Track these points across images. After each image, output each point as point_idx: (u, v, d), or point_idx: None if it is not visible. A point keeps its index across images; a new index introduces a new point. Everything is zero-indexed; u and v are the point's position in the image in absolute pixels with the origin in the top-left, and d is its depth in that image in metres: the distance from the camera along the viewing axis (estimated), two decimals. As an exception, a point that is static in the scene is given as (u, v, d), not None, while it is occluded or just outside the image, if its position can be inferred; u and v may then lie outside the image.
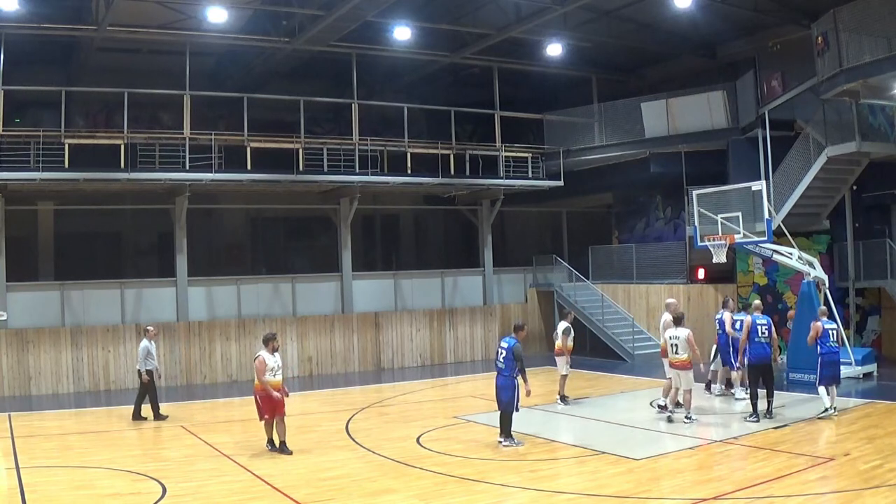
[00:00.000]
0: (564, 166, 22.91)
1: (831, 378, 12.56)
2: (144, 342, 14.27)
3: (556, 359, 14.82)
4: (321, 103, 22.26)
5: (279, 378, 11.33)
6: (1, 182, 17.08)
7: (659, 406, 13.23)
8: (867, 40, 14.40)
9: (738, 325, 13.81)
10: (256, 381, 11.29)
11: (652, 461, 10.06)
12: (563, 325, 14.92)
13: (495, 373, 11.51)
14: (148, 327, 14.75)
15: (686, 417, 12.34)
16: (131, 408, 14.24)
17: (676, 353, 12.42)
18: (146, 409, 14.17)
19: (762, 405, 12.44)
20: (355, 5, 16.53)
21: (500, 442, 11.29)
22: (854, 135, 17.12)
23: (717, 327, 14.85)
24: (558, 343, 14.79)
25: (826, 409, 12.33)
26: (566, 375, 14.64)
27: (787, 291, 19.16)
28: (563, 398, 14.64)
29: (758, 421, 12.18)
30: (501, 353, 11.40)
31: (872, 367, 16.59)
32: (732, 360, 14.26)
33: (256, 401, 11.32)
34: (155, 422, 13.89)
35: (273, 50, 19.91)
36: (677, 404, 12.64)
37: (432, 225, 28.00)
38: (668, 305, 14.50)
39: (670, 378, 12.74)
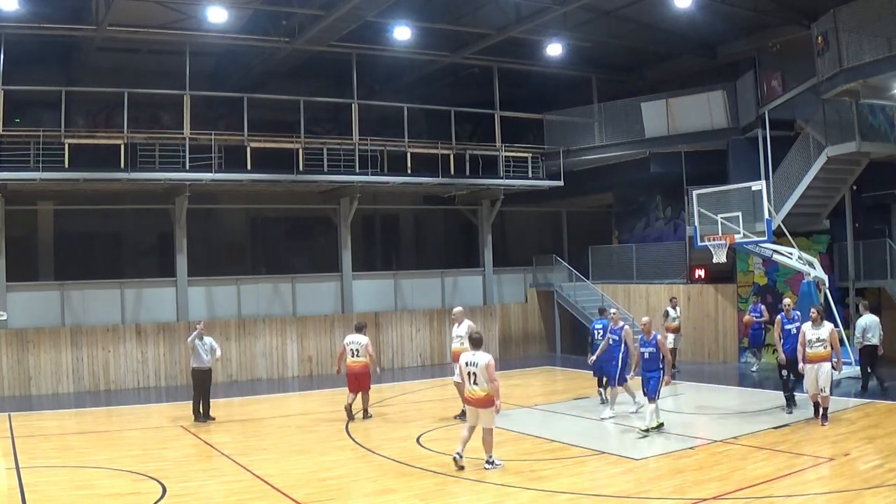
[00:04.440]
0: (564, 166, 22.91)
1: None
2: (198, 338, 13.72)
3: (673, 336, 17.86)
4: (321, 103, 22.26)
5: None
6: (1, 182, 17.08)
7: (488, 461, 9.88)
8: (867, 40, 14.39)
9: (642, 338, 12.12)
10: (367, 360, 13.54)
11: (652, 461, 10.06)
12: (678, 310, 18.40)
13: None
14: (198, 324, 14.10)
15: (487, 462, 9.78)
16: (130, 408, 14.20)
17: (475, 384, 9.68)
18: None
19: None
20: (355, 5, 16.53)
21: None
22: (854, 135, 17.11)
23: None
24: (675, 324, 18.14)
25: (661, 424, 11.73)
26: (677, 349, 17.85)
27: (787, 291, 19.15)
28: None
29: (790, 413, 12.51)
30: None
31: (872, 367, 16.56)
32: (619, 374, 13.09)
33: (360, 375, 13.53)
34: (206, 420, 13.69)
35: (273, 50, 19.91)
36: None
37: (432, 225, 27.99)
38: (456, 315, 13.40)
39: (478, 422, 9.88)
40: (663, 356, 11.64)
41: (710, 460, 10.01)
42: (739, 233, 16.83)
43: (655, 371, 11.61)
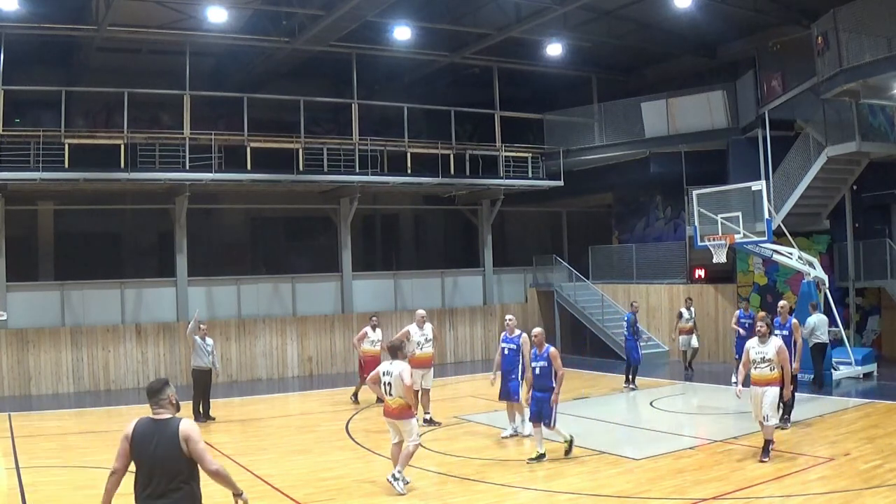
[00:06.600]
0: (564, 166, 22.91)
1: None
2: (200, 337, 13.67)
3: (686, 337, 18.33)
4: (321, 103, 22.26)
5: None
6: (1, 182, 17.07)
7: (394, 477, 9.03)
8: (867, 40, 14.40)
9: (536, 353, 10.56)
10: (379, 350, 14.74)
11: (652, 461, 10.06)
12: (692, 311, 18.60)
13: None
14: (201, 325, 13.93)
15: (394, 476, 8.99)
16: (131, 408, 14.16)
17: (390, 394, 9.10)
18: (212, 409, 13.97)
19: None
20: (355, 5, 16.53)
21: (628, 387, 16.11)
22: (854, 135, 17.12)
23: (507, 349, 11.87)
24: (689, 325, 18.38)
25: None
26: (697, 348, 18.65)
27: (787, 291, 19.14)
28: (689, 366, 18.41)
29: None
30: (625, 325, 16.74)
31: (872, 367, 16.60)
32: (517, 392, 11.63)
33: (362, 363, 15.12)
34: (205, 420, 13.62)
35: (273, 50, 19.91)
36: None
37: (432, 225, 27.99)
38: (419, 319, 13.43)
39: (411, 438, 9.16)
40: (555, 372, 10.18)
41: (710, 460, 10.01)
42: (739, 233, 16.83)
43: (548, 391, 10.17)
